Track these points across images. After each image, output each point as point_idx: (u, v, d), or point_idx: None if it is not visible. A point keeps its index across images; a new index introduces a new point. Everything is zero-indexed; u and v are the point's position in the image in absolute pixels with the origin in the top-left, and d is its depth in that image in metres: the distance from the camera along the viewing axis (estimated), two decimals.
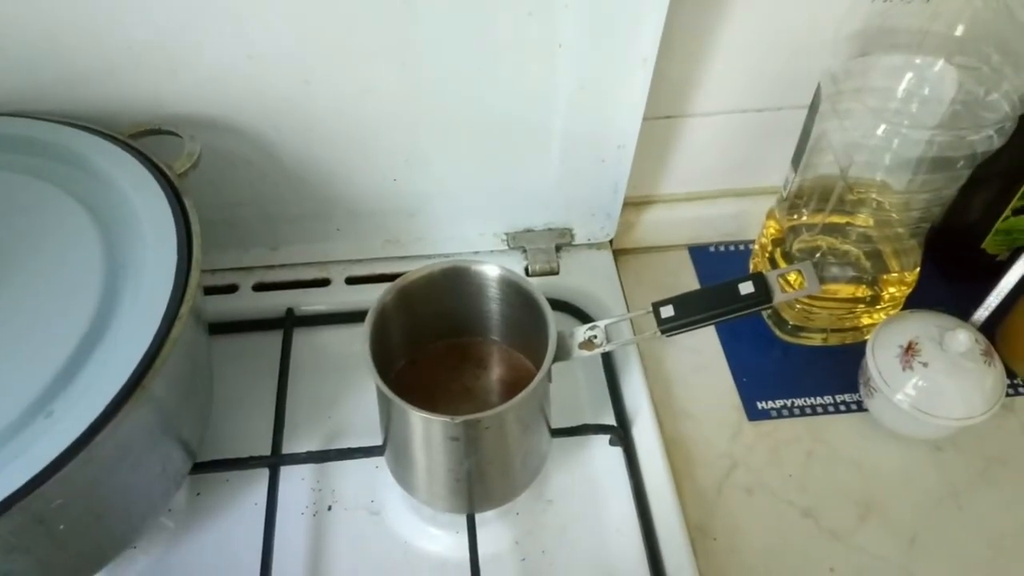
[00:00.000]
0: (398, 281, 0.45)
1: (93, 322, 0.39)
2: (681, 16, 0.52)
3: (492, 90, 0.52)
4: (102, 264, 0.42)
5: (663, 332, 0.42)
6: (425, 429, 0.42)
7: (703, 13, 0.53)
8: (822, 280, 0.57)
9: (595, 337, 0.43)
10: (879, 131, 0.48)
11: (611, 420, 0.56)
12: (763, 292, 0.40)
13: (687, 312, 0.42)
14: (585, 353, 0.43)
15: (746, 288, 0.41)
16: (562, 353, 0.43)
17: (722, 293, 0.41)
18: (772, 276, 0.41)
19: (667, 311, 0.42)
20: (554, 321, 0.43)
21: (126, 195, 0.45)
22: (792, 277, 0.52)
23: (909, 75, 0.48)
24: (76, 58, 0.47)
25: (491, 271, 0.46)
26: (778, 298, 0.40)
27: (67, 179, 0.46)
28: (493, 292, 0.47)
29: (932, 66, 0.47)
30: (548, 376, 0.44)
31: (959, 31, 0.47)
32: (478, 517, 0.50)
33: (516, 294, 0.46)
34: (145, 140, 0.49)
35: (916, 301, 0.60)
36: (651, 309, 0.43)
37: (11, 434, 0.36)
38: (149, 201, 0.44)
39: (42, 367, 0.37)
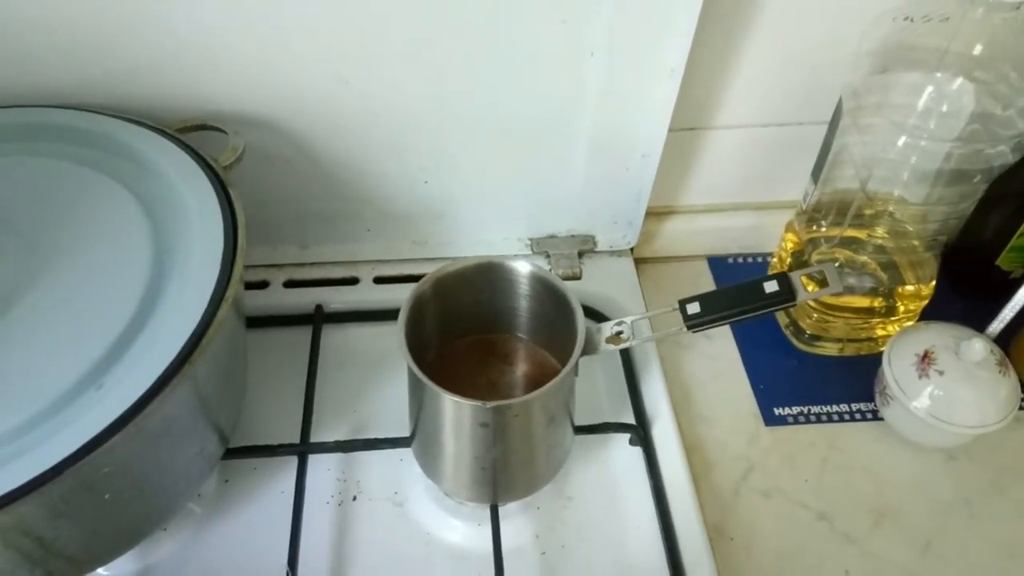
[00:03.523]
0: (435, 272, 0.46)
1: (142, 302, 0.41)
2: (706, 31, 0.54)
3: (522, 96, 0.54)
4: (151, 249, 0.44)
5: (689, 328, 0.44)
6: (456, 414, 0.43)
7: (728, 29, 0.55)
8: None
9: (622, 332, 0.45)
10: (899, 143, 0.49)
11: (630, 419, 0.57)
12: (787, 291, 0.42)
13: (713, 309, 0.43)
14: (611, 347, 0.45)
15: (771, 287, 0.42)
16: (590, 347, 0.45)
17: (747, 291, 0.43)
18: (796, 276, 0.42)
19: (693, 308, 0.43)
20: (583, 315, 0.45)
21: (174, 185, 0.47)
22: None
23: (928, 91, 0.49)
24: (126, 55, 0.50)
25: (522, 267, 0.47)
26: (801, 297, 0.42)
27: (118, 169, 0.48)
28: (523, 288, 0.48)
29: (951, 83, 0.49)
30: (575, 369, 0.45)
31: (977, 50, 0.48)
32: (502, 510, 0.51)
33: (545, 290, 0.47)
34: (191, 135, 0.51)
35: (931, 316, 0.61)
36: (677, 306, 0.44)
37: (64, 403, 0.37)
38: (196, 190, 0.46)
39: (94, 343, 0.39)
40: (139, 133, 0.49)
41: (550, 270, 0.65)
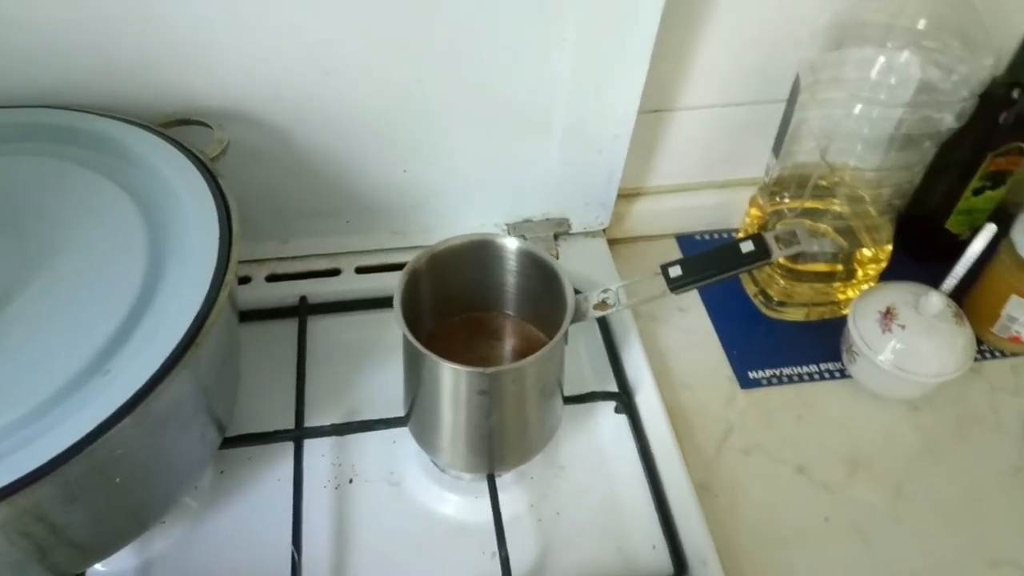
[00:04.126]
0: (429, 248, 0.48)
1: (142, 290, 0.42)
2: (669, 14, 0.57)
3: (496, 83, 0.56)
4: (146, 239, 0.44)
5: (672, 290, 0.46)
6: (454, 383, 0.45)
7: (690, 11, 0.58)
8: (802, 258, 0.62)
9: (607, 299, 0.47)
10: (856, 111, 0.53)
11: (614, 389, 0.59)
12: (762, 249, 0.45)
13: (694, 271, 0.46)
14: (599, 313, 0.47)
15: (747, 247, 0.45)
16: (578, 315, 0.47)
17: (725, 252, 0.45)
18: (769, 236, 0.45)
19: (675, 271, 0.46)
20: (571, 284, 0.47)
21: (164, 177, 0.47)
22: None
23: (879, 63, 0.53)
24: (110, 53, 0.50)
25: (511, 243, 0.49)
26: (776, 254, 0.45)
27: (107, 166, 0.48)
28: (511, 264, 0.50)
29: (899, 55, 0.53)
30: (565, 338, 0.47)
31: (922, 24, 0.52)
32: (497, 481, 0.53)
33: (533, 264, 0.49)
34: (176, 130, 0.52)
35: (885, 278, 0.65)
36: (659, 271, 0.47)
37: (73, 389, 0.38)
38: (187, 182, 0.47)
39: (97, 331, 0.40)
40: (126, 129, 0.50)
41: None
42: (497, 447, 0.50)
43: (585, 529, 0.53)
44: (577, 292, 0.47)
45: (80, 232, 0.45)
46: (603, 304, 0.47)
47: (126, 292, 0.42)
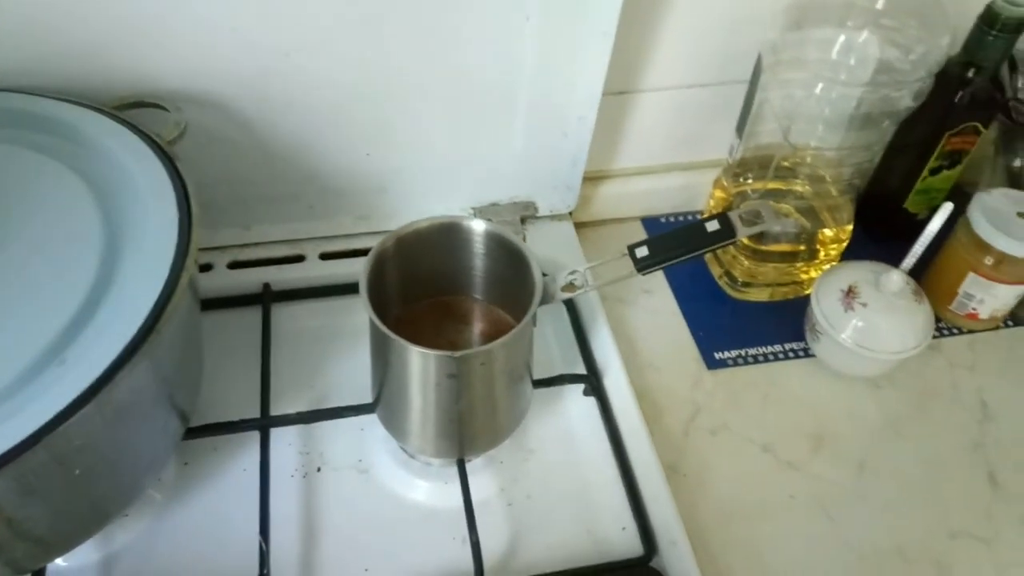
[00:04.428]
0: (396, 231, 0.47)
1: (98, 277, 0.41)
2: None
3: (460, 62, 0.55)
4: (100, 224, 0.43)
5: (639, 270, 0.46)
6: (423, 367, 0.44)
7: None
8: (766, 239, 0.62)
9: (575, 280, 0.47)
10: (817, 90, 0.53)
11: (583, 371, 0.59)
12: (728, 228, 0.45)
13: (661, 251, 0.46)
14: (567, 295, 0.47)
15: (712, 226, 0.45)
16: (546, 296, 0.47)
17: (691, 232, 0.46)
18: (734, 215, 0.45)
19: (642, 251, 0.46)
20: (539, 266, 0.46)
21: (118, 160, 0.46)
22: None
23: (839, 43, 0.53)
24: (64, 34, 0.49)
25: (478, 226, 0.49)
26: (741, 232, 0.45)
27: (59, 149, 0.46)
28: (478, 247, 0.50)
29: (858, 34, 0.53)
30: (534, 320, 0.47)
31: (880, 3, 0.53)
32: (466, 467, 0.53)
33: (500, 247, 0.49)
34: (131, 113, 0.50)
35: (846, 258, 0.66)
36: (626, 252, 0.47)
37: (28, 379, 0.37)
38: (143, 166, 0.46)
39: (51, 319, 0.38)
40: (78, 112, 0.48)
41: None
42: (467, 431, 0.49)
43: (555, 512, 0.53)
44: (544, 275, 0.46)
45: (31, 218, 0.43)
46: (571, 286, 0.47)
47: (81, 279, 0.40)
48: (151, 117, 0.50)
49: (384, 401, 0.50)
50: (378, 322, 0.43)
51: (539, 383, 0.56)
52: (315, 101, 0.55)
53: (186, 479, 0.54)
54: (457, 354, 0.42)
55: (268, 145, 0.58)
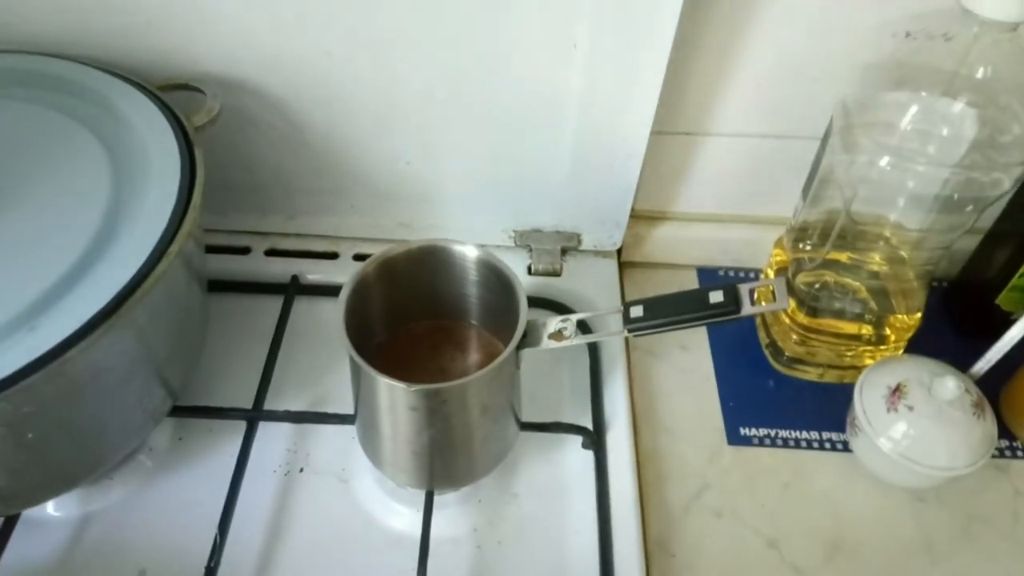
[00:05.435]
0: (380, 253, 0.46)
1: (89, 249, 0.41)
2: (705, 34, 0.53)
3: (506, 84, 0.53)
4: (107, 197, 0.44)
5: (630, 332, 0.42)
6: (389, 396, 0.43)
7: (727, 32, 0.53)
8: (822, 312, 0.56)
9: (565, 329, 0.44)
10: (884, 164, 0.47)
11: (588, 423, 0.55)
12: (732, 302, 0.40)
13: (656, 314, 0.42)
14: (554, 344, 0.44)
15: (716, 296, 0.40)
16: (532, 340, 0.44)
17: (692, 299, 0.41)
18: (744, 288, 0.41)
19: (636, 311, 0.42)
20: (526, 306, 0.43)
21: (142, 137, 0.47)
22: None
23: (926, 112, 0.47)
24: (116, 10, 0.50)
25: (470, 252, 0.46)
26: (746, 310, 0.40)
27: (88, 117, 0.48)
28: (472, 275, 0.48)
29: (950, 106, 0.47)
30: (516, 362, 0.44)
31: (980, 73, 0.46)
32: (441, 499, 0.51)
33: (495, 277, 0.46)
34: (174, 94, 0.52)
35: (923, 350, 0.58)
36: (621, 308, 0.43)
37: None
38: (161, 146, 0.47)
39: (32, 285, 0.39)
40: (115, 84, 0.50)
41: (528, 265, 0.64)
42: (436, 465, 0.47)
43: (524, 565, 0.50)
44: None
45: (45, 179, 0.45)
46: (559, 335, 0.44)
47: (72, 249, 0.41)
48: (191, 101, 0.51)
49: (360, 421, 0.49)
50: (348, 346, 0.42)
51: (534, 426, 0.53)
52: (355, 103, 0.55)
53: (177, 452, 0.55)
54: (413, 388, 0.40)
55: (309, 139, 0.58)
